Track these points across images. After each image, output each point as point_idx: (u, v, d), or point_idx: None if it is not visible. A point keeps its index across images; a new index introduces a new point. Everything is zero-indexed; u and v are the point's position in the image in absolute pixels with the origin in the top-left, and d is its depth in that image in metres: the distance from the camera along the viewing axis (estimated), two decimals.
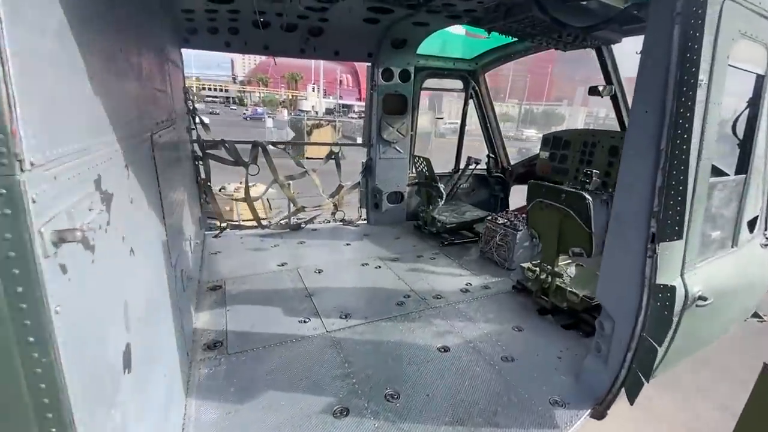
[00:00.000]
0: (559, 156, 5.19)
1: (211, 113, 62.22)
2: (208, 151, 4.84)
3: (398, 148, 5.58)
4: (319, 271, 4.13)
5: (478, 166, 5.97)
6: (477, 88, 5.81)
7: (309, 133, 29.50)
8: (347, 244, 4.96)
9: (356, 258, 4.54)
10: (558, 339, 3.06)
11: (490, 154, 5.94)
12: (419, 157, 5.18)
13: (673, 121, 1.90)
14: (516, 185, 6.25)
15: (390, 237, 5.32)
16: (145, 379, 1.52)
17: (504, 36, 4.26)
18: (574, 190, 2.92)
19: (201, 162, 4.83)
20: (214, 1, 3.69)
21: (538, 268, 3.39)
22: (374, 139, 5.47)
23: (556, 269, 3.27)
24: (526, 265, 3.63)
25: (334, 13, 4.19)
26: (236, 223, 5.72)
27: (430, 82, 5.81)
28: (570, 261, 3.47)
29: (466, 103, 5.87)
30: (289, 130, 31.63)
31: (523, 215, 4.49)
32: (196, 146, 4.75)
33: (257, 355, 2.73)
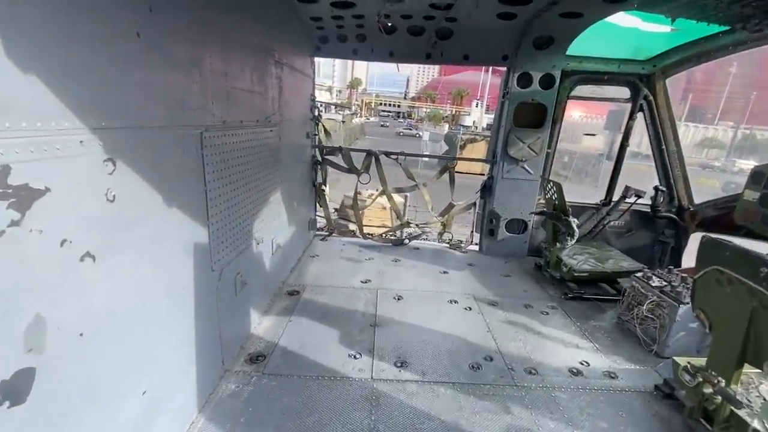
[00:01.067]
0: None
1: (382, 126, 69.21)
2: (326, 156, 4.96)
3: (528, 168, 4.62)
4: (399, 298, 3.66)
5: (640, 200, 4.47)
6: (652, 97, 4.34)
7: (462, 147, 29.34)
8: (444, 272, 4.33)
9: (447, 291, 3.88)
10: None
11: (661, 187, 4.34)
12: (551, 181, 4.15)
13: None
14: (698, 232, 4.43)
15: (499, 272, 4.43)
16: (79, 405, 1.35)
17: (696, 23, 2.97)
18: None
19: (320, 166, 4.99)
20: (338, 6, 3.67)
21: (701, 376, 2.12)
22: (499, 155, 4.67)
23: (734, 386, 1.98)
24: (683, 362, 2.35)
25: (461, 10, 3.68)
26: (345, 229, 5.75)
27: (585, 91, 4.64)
28: (764, 374, 2.07)
29: (632, 116, 4.45)
30: (444, 143, 32.05)
31: (691, 278, 3.04)
32: (316, 151, 4.93)
33: (288, 383, 2.46)
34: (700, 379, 2.13)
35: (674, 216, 4.46)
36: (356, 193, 4.97)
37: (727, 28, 3.14)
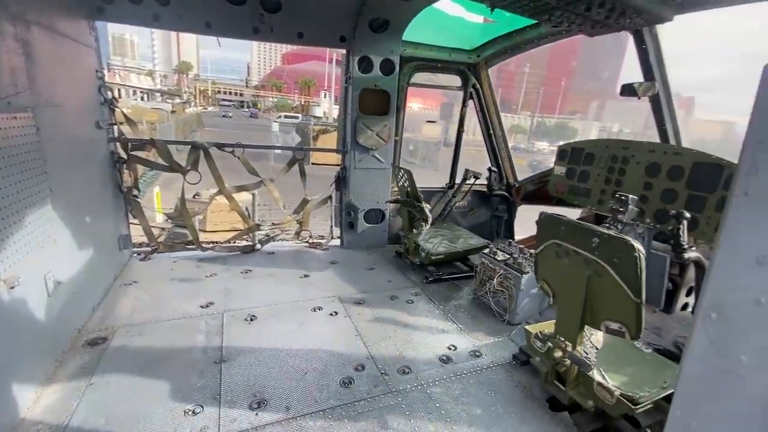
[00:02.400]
0: (578, 172, 4.07)
1: (224, 116, 62.56)
2: (133, 152, 3.83)
3: (378, 156, 4.51)
4: (251, 319, 3.05)
5: (478, 181, 4.87)
6: (478, 85, 4.73)
7: (315, 138, 28.87)
8: (305, 276, 3.88)
9: (310, 297, 3.45)
10: None
11: (493, 168, 4.83)
12: (401, 169, 4.11)
13: None
14: (524, 205, 5.13)
15: (362, 266, 4.22)
16: None
17: (511, 14, 3.20)
18: (615, 233, 1.80)
19: (125, 166, 3.82)
20: None
21: (550, 342, 2.26)
22: (349, 144, 4.42)
23: (579, 348, 2.15)
24: (533, 329, 2.51)
25: None
26: (182, 240, 4.68)
27: (421, 78, 4.76)
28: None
29: (464, 104, 4.79)
30: (295, 134, 30.96)
31: (531, 251, 3.37)
32: (117, 146, 3.75)
33: None
34: (550, 345, 2.28)
35: (505, 193, 5.04)
36: (183, 195, 4.02)
37: (535, 21, 3.54)
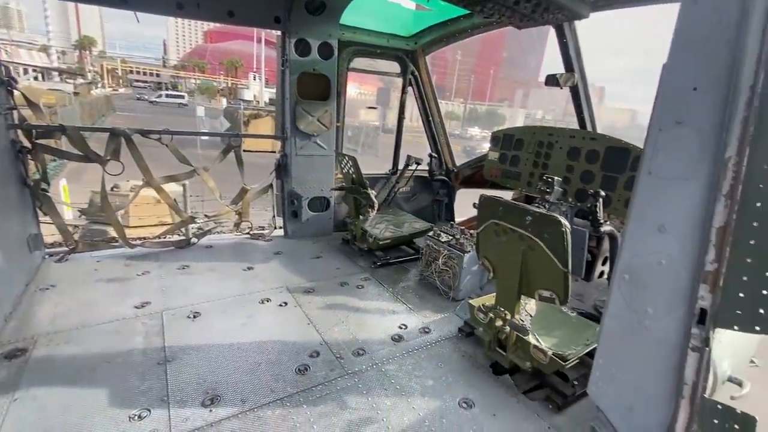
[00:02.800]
0: (510, 157, 4.39)
1: (138, 99, 56.17)
2: (39, 141, 3.36)
3: (321, 143, 4.45)
4: (195, 316, 2.90)
5: (420, 167, 5.04)
6: (416, 72, 4.84)
7: (246, 124, 27.25)
8: (249, 268, 3.76)
9: (256, 290, 3.36)
10: (522, 419, 2.17)
11: (433, 154, 5.02)
12: (345, 155, 4.10)
13: (756, 108, 1.02)
14: (462, 189, 5.42)
15: (309, 255, 4.19)
16: None
17: (446, 3, 3.31)
18: (545, 211, 2.01)
19: (30, 156, 3.34)
20: None
21: (492, 313, 2.47)
22: (289, 131, 4.29)
23: (517, 316, 2.38)
24: (475, 303, 2.71)
25: None
26: (103, 238, 4.24)
27: (361, 63, 4.75)
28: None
29: (403, 91, 4.88)
30: (224, 120, 28.96)
31: (472, 231, 3.60)
32: (19, 134, 3.26)
33: None
34: (492, 316, 2.49)
35: (445, 178, 5.27)
36: (103, 188, 3.63)
37: (468, 11, 3.69)
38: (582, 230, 3.89)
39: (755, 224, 1.04)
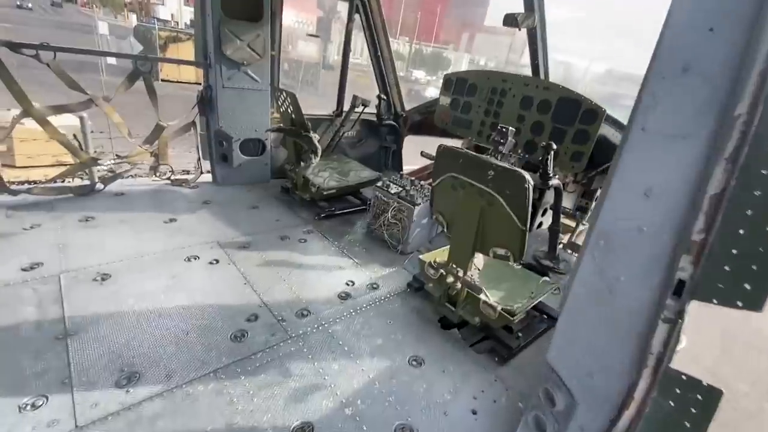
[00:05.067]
0: (462, 103, 4.17)
1: (19, 7, 45.33)
2: None
3: (253, 74, 3.83)
4: (103, 278, 2.46)
5: (367, 109, 4.64)
6: (367, 3, 4.26)
7: (163, 48, 23.50)
8: (171, 220, 3.27)
9: (181, 246, 2.94)
10: (470, 373, 2.18)
11: (382, 95, 4.62)
12: (283, 91, 3.58)
13: None
14: (410, 135, 5.16)
15: (243, 205, 3.77)
16: None
17: None
18: (509, 166, 1.85)
19: None
20: None
21: (443, 270, 2.38)
22: (212, 57, 3.60)
23: (469, 273, 2.31)
24: (426, 258, 2.61)
25: None
26: None
27: None
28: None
29: (349, 18, 4.30)
30: (135, 41, 24.72)
31: (422, 182, 3.42)
32: None
33: None
34: (442, 272, 2.41)
35: (393, 122, 4.95)
36: None
37: None
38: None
39: (757, 193, 0.93)
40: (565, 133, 3.44)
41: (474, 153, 2.00)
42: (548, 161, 3.04)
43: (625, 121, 3.69)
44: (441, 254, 2.66)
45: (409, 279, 2.91)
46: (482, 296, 2.21)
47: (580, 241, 4.25)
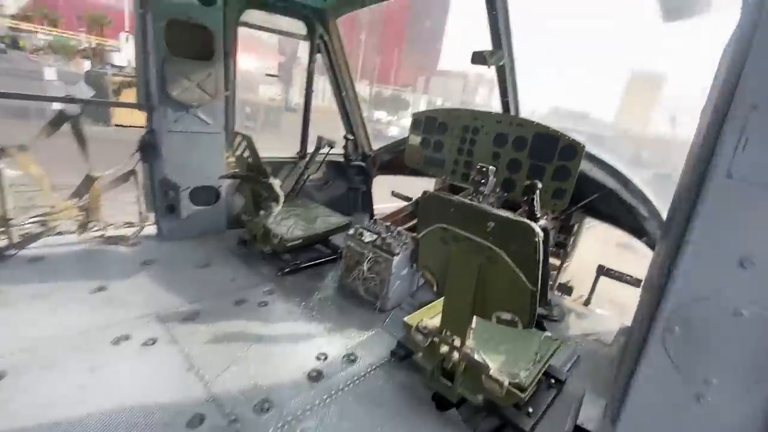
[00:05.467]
0: (433, 142, 3.97)
1: None
2: None
3: (204, 117, 3.44)
4: None
5: (334, 151, 4.34)
6: (327, 37, 4.08)
7: (118, 93, 22.63)
8: (99, 289, 2.69)
9: (109, 323, 2.36)
10: None
11: (348, 135, 4.35)
12: (238, 134, 3.20)
13: None
14: (379, 175, 4.88)
15: (193, 264, 3.23)
16: None
17: None
18: (514, 216, 1.54)
19: None
20: None
21: (437, 337, 1.99)
22: (156, 98, 3.19)
23: (469, 342, 1.93)
24: (412, 321, 2.21)
25: None
26: None
27: (256, 19, 3.79)
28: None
29: (311, 58, 4.08)
30: (85, 86, 23.63)
31: (399, 229, 3.09)
32: None
33: None
34: (435, 339, 2.01)
35: (362, 163, 4.66)
36: None
37: None
38: None
39: None
40: (544, 170, 3.27)
41: (468, 201, 1.68)
42: (534, 201, 2.81)
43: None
44: (428, 312, 2.27)
45: (391, 343, 2.48)
46: (493, 373, 1.81)
47: (563, 278, 4.03)
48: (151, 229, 3.68)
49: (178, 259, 3.27)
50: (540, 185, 2.79)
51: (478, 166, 2.89)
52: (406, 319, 2.27)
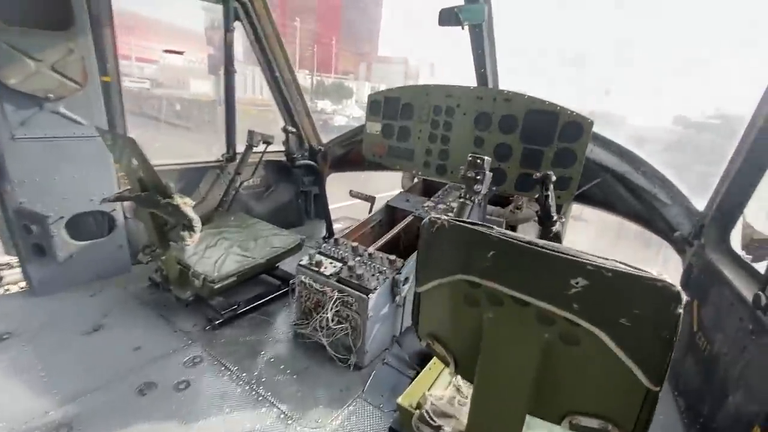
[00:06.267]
0: (397, 129, 3.19)
1: None
2: None
3: (69, 114, 2.37)
4: None
5: (272, 148, 3.42)
6: (249, 5, 3.10)
7: None
8: None
9: None
10: None
11: (290, 128, 3.40)
12: (116, 135, 2.21)
13: None
14: (334, 173, 4.02)
15: (75, 330, 2.21)
16: None
17: None
18: (635, 271, 0.79)
19: None
20: None
21: None
22: None
23: None
24: (409, 400, 1.44)
25: None
26: None
27: None
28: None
29: (228, 27, 3.06)
30: None
31: (370, 250, 2.29)
32: None
33: None
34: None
35: (310, 161, 3.75)
36: None
37: None
38: (498, 221, 3.02)
39: None
40: (542, 155, 2.62)
41: (528, 240, 0.89)
42: (549, 198, 2.14)
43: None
44: (428, 379, 1.53)
45: (379, 424, 1.71)
46: None
47: None
48: (16, 281, 2.58)
49: (54, 324, 2.23)
50: (554, 177, 2.12)
51: (470, 157, 2.17)
52: (399, 400, 1.50)
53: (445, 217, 1.00)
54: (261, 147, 3.30)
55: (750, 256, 1.93)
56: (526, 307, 0.92)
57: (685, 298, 0.73)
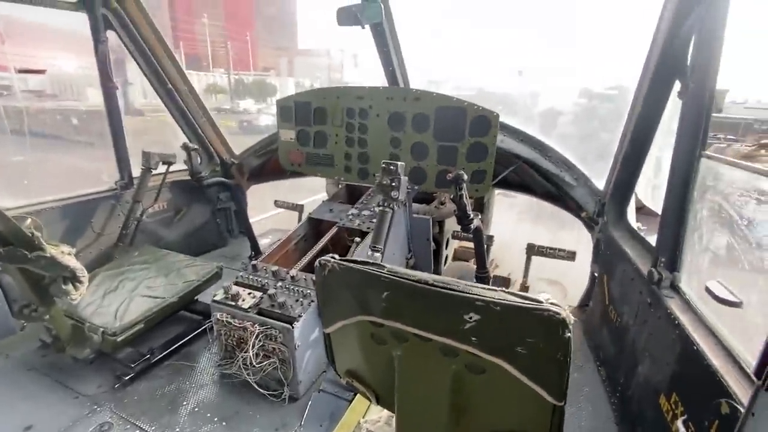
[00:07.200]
0: (313, 135, 3.06)
1: None
2: None
3: None
4: None
5: (175, 167, 3.10)
6: (118, 6, 2.72)
7: None
8: None
9: None
10: None
11: (191, 144, 3.07)
12: None
13: None
14: (254, 184, 3.76)
15: None
16: None
17: None
18: (522, 301, 0.76)
19: None
20: None
21: None
22: None
23: None
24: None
25: None
26: None
27: None
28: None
29: (98, 40, 2.65)
30: None
31: (293, 272, 2.15)
32: None
33: None
34: None
35: (222, 178, 3.45)
36: None
37: None
38: (425, 219, 3.04)
39: None
40: (456, 151, 2.66)
41: (416, 277, 0.83)
42: (463, 197, 2.16)
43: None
44: (362, 405, 1.46)
45: None
46: None
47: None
48: None
49: None
50: (466, 176, 2.15)
51: (383, 165, 2.12)
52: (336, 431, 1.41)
53: (334, 260, 0.92)
54: (162, 168, 2.97)
55: (643, 230, 2.12)
56: (429, 342, 0.88)
57: (570, 320, 0.72)
